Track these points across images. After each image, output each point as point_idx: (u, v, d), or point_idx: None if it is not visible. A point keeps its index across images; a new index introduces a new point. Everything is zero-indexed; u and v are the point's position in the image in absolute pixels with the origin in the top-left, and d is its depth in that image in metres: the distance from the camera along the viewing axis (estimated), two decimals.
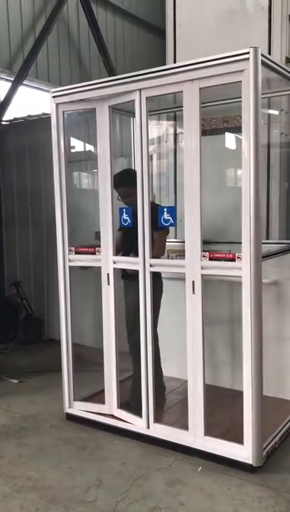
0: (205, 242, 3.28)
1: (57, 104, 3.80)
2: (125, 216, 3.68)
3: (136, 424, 3.68)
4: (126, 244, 3.89)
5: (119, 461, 3.42)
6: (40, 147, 6.27)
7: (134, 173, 3.58)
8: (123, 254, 3.90)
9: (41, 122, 6.17)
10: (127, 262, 3.73)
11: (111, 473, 3.26)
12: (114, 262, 3.71)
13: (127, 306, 4.08)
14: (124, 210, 3.70)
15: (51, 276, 6.16)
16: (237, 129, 4.26)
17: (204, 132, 4.06)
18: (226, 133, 4.55)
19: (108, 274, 3.73)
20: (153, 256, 3.57)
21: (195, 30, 4.74)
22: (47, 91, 4.04)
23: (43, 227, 6.48)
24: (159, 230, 3.66)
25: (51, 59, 7.11)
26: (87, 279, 4.53)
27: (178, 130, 4.88)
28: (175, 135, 4.95)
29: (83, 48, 7.63)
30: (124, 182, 3.85)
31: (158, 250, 3.79)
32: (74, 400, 4.04)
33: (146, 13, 8.84)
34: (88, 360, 4.54)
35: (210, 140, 4.51)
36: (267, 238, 4.37)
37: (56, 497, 3.03)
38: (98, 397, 3.99)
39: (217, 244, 4.10)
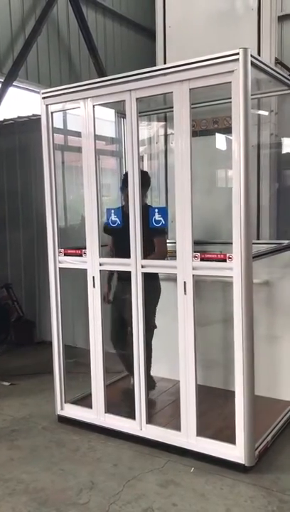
0: (196, 243, 3.28)
1: (47, 105, 3.79)
2: (114, 217, 3.67)
3: (126, 426, 3.67)
4: (118, 246, 3.85)
5: (111, 462, 3.41)
6: (30, 148, 6.25)
7: (144, 174, 3.56)
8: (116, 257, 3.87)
9: (31, 123, 6.13)
10: (115, 264, 3.72)
11: (103, 475, 3.25)
12: (101, 264, 3.69)
13: (124, 304, 4.00)
14: (113, 211, 3.69)
15: (42, 278, 6.13)
16: (227, 130, 4.27)
17: (194, 133, 4.07)
18: (216, 134, 4.56)
19: (93, 277, 3.71)
20: (156, 258, 3.60)
21: (184, 31, 4.75)
22: (38, 92, 4.02)
23: (33, 229, 6.44)
24: (159, 234, 3.69)
25: (41, 60, 7.07)
26: (79, 280, 4.51)
27: (169, 131, 4.89)
28: (166, 136, 4.95)
29: (73, 49, 7.59)
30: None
31: (161, 252, 3.83)
32: (65, 402, 4.02)
33: (136, 14, 8.83)
34: (80, 362, 4.52)
35: (201, 141, 4.52)
36: (258, 238, 4.39)
37: (48, 499, 3.02)
38: (88, 400, 3.96)
39: (209, 244, 4.11)
